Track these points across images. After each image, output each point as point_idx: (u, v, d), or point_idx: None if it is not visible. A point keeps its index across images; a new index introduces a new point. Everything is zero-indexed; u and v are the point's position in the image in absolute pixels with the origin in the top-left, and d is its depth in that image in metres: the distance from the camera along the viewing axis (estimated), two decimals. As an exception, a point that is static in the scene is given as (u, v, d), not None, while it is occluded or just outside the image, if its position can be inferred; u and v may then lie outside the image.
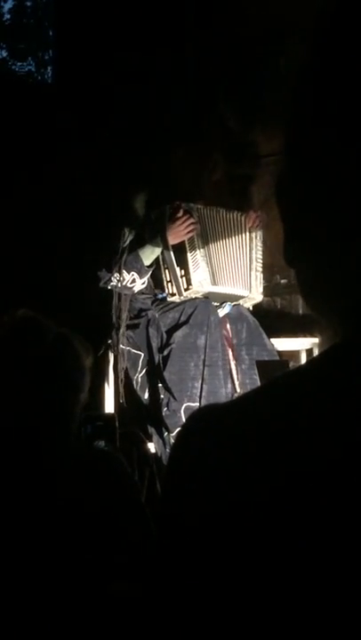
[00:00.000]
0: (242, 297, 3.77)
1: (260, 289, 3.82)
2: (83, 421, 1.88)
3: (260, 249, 3.79)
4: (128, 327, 3.62)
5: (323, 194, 0.59)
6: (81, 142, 4.50)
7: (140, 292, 3.68)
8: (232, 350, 3.60)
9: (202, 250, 3.64)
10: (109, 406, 3.64)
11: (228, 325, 3.65)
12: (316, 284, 0.62)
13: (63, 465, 1.76)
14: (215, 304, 3.69)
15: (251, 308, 3.82)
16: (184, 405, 3.43)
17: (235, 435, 0.57)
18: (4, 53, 5.61)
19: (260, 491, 0.54)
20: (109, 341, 3.63)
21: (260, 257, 3.79)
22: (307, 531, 0.51)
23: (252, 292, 3.77)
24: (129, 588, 1.65)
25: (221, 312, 3.67)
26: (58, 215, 4.46)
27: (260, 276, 3.80)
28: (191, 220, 3.58)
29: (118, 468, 1.84)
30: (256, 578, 0.52)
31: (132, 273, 3.56)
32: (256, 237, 3.78)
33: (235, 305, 3.73)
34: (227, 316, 3.67)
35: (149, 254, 3.59)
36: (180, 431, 0.64)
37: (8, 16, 5.54)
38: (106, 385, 3.67)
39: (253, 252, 3.78)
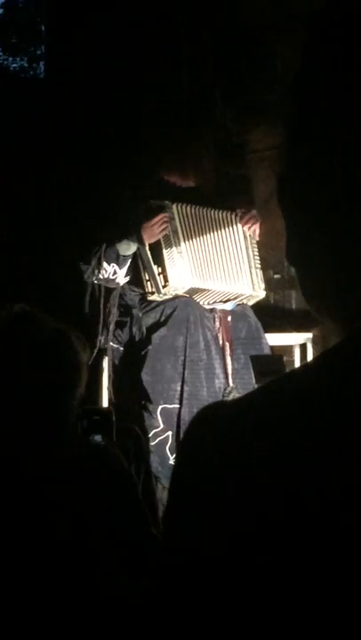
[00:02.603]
0: (243, 295, 3.76)
1: (262, 285, 3.82)
2: (79, 416, 1.89)
3: (256, 246, 3.79)
4: (117, 325, 3.63)
5: (325, 192, 0.59)
6: (73, 138, 4.50)
7: (130, 290, 3.68)
8: (230, 344, 3.59)
9: (179, 247, 3.62)
10: (105, 401, 3.65)
11: (229, 319, 3.65)
12: (320, 283, 0.62)
13: (59, 460, 1.76)
14: (218, 301, 3.70)
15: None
16: (160, 407, 3.43)
17: (240, 441, 0.56)
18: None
19: (267, 502, 0.53)
20: (101, 338, 3.63)
21: (257, 253, 3.79)
22: (313, 537, 0.52)
23: (255, 290, 3.77)
24: (126, 584, 1.65)
25: (221, 306, 3.67)
26: (53, 210, 4.46)
27: (260, 272, 3.80)
28: (164, 219, 3.58)
29: (115, 463, 1.85)
30: (263, 588, 0.53)
31: (112, 264, 3.56)
32: (252, 235, 3.77)
33: (239, 305, 3.73)
34: (230, 311, 3.68)
35: (126, 249, 3.58)
36: (184, 437, 0.63)
37: (0, 11, 5.52)
38: (102, 380, 3.67)
39: (250, 250, 3.77)
